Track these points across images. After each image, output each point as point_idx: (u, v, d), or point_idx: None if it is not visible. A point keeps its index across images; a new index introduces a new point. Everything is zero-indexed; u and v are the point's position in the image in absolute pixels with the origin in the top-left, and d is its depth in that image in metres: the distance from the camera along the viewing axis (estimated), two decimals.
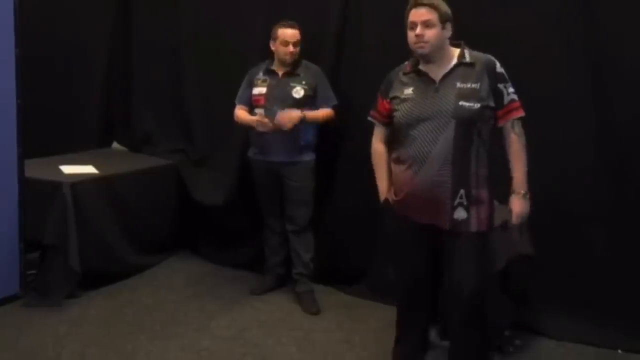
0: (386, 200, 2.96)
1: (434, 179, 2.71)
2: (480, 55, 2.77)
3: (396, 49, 3.92)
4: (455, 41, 2.79)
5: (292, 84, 3.88)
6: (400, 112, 2.79)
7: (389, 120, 2.91)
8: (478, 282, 2.77)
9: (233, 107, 4.08)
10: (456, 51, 2.78)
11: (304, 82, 3.89)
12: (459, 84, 2.70)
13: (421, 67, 2.80)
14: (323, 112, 3.92)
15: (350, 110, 4.06)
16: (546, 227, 3.58)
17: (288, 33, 3.87)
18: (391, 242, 3.05)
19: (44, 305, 3.79)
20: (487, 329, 2.99)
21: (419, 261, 2.89)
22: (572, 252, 3.65)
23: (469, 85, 2.69)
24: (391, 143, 2.96)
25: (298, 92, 3.86)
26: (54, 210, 3.83)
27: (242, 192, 4.27)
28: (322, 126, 3.99)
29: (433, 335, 3.45)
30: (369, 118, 3.04)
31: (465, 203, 2.72)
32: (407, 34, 2.76)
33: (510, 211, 2.80)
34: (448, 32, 2.74)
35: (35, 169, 4.04)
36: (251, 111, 3.99)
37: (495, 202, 2.84)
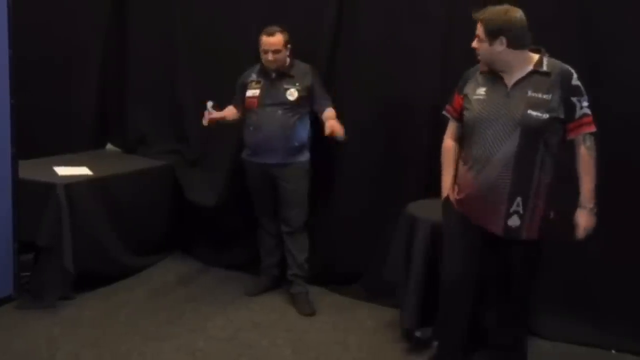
0: (447, 196, 3.01)
1: (493, 182, 2.74)
2: (558, 65, 2.76)
3: (391, 49, 3.98)
4: (535, 47, 2.80)
5: (285, 86, 3.88)
6: (469, 112, 2.84)
7: (461, 117, 2.95)
8: (528, 285, 2.93)
9: (227, 106, 4.08)
10: (534, 57, 2.78)
11: (297, 84, 3.88)
12: (530, 92, 2.71)
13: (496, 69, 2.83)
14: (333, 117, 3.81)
15: (346, 113, 4.06)
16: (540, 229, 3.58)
17: (266, 41, 3.85)
18: (445, 235, 3.06)
19: (38, 307, 3.78)
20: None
21: (468, 257, 2.94)
22: (568, 253, 3.65)
23: (540, 95, 2.70)
24: (461, 141, 3.01)
25: (292, 94, 3.86)
26: (47, 212, 3.81)
27: (236, 193, 4.27)
28: (317, 127, 3.97)
29: (427, 335, 3.44)
30: (444, 112, 3.07)
31: (521, 212, 2.75)
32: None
33: (576, 225, 2.84)
34: (500, 46, 2.74)
35: (29, 170, 4.02)
36: (244, 114, 3.99)
37: (552, 213, 2.85)
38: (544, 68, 2.74)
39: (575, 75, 2.73)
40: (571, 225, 2.86)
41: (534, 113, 2.67)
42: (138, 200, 4.41)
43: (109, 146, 5.24)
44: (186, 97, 4.77)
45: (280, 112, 3.84)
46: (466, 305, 3.03)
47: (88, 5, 5.07)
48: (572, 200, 2.87)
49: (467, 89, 2.88)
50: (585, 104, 2.74)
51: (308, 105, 3.92)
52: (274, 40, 3.85)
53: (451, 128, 3.05)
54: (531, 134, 2.69)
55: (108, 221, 4.15)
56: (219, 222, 4.59)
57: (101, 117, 5.15)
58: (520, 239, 2.80)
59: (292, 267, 4.05)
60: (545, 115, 2.67)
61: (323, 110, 3.87)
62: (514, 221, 2.76)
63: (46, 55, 5.18)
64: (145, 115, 5.00)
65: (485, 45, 2.76)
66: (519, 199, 2.74)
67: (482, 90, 2.82)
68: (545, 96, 2.69)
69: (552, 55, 3.53)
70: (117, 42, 5.04)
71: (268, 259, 4.22)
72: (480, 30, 2.76)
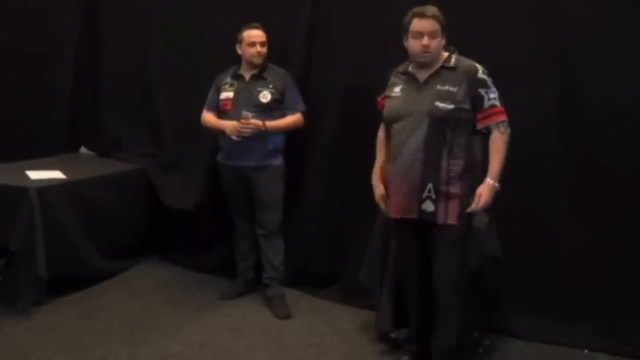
0: (387, 210, 3.16)
1: (406, 169, 2.92)
2: (465, 61, 2.94)
3: (365, 52, 4.00)
4: (448, 47, 2.98)
5: (259, 89, 3.88)
6: (387, 108, 3.05)
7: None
8: (453, 274, 2.96)
9: (202, 110, 4.07)
10: (444, 55, 2.97)
11: (271, 86, 3.89)
12: (438, 86, 2.90)
13: (410, 69, 3.02)
14: (285, 121, 3.91)
15: (320, 114, 4.07)
16: (514, 230, 3.62)
17: (253, 33, 3.88)
18: (396, 253, 3.28)
19: (11, 313, 3.73)
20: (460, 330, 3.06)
21: (417, 260, 3.09)
22: (539, 253, 3.70)
23: (446, 88, 2.88)
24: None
25: (265, 96, 3.86)
26: (20, 216, 3.77)
27: (211, 197, 4.25)
28: (289, 131, 3.98)
29: (402, 336, 3.46)
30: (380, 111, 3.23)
31: (433, 197, 2.90)
32: (410, 41, 2.93)
33: (477, 195, 2.89)
34: (444, 40, 2.94)
35: (1, 175, 3.99)
36: (219, 116, 3.98)
37: (471, 199, 2.92)
38: (451, 64, 2.93)
39: (481, 70, 2.90)
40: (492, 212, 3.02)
41: (440, 104, 2.85)
42: (112, 204, 4.38)
43: (83, 150, 5.19)
44: (161, 100, 4.75)
45: (253, 114, 3.83)
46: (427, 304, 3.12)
47: (60, 7, 5.03)
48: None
49: (387, 89, 3.10)
50: (492, 95, 2.90)
51: (281, 108, 3.92)
52: (259, 33, 3.90)
53: (382, 124, 3.26)
54: (438, 123, 2.86)
55: (82, 225, 4.11)
56: (194, 226, 4.57)
57: (74, 120, 5.10)
58: (437, 224, 2.92)
59: (268, 270, 4.05)
60: (451, 106, 2.85)
61: (290, 114, 3.93)
62: (428, 205, 2.91)
63: (17, 58, 5.13)
64: (119, 118, 4.97)
65: (439, 40, 2.91)
66: (429, 185, 2.89)
67: (397, 89, 3.03)
68: (451, 89, 2.87)
69: (525, 54, 3.60)
70: (90, 44, 5.00)
71: (243, 263, 4.21)
72: (435, 26, 2.88)
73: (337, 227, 4.14)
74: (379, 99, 3.19)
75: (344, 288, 4.14)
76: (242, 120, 3.76)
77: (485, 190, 2.88)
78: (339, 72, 4.08)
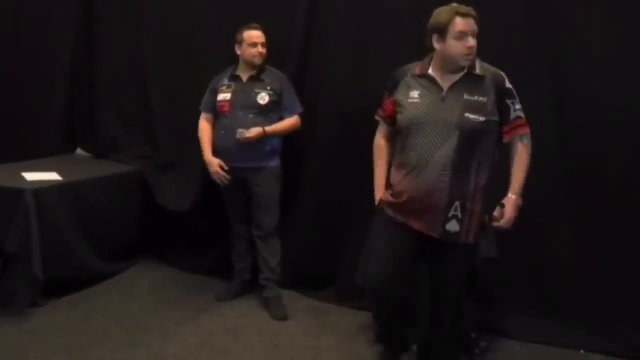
0: (381, 200, 2.96)
1: (432, 185, 2.71)
2: (491, 69, 2.77)
3: (362, 53, 4.00)
4: None
5: (256, 90, 3.89)
6: (404, 116, 2.79)
7: (392, 120, 2.92)
8: (461, 291, 2.91)
9: (198, 112, 4.08)
10: None
11: (268, 88, 3.89)
12: (466, 96, 2.70)
13: (432, 72, 2.79)
14: (284, 124, 3.92)
15: (316, 116, 4.08)
16: (510, 230, 3.63)
17: (254, 34, 3.88)
18: (375, 237, 2.99)
19: (7, 314, 3.72)
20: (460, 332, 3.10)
21: (399, 259, 2.88)
22: (535, 254, 3.71)
23: (475, 98, 2.70)
24: (394, 146, 2.97)
25: (263, 98, 3.87)
26: (16, 218, 3.76)
27: (208, 198, 4.25)
28: (288, 134, 3.99)
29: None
30: (376, 117, 3.05)
31: (459, 216, 2.74)
32: (450, 42, 2.69)
33: (499, 212, 2.78)
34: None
35: None
36: (216, 118, 3.99)
37: (487, 217, 2.85)
38: (477, 71, 2.74)
39: (507, 79, 2.76)
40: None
41: (471, 116, 2.68)
42: (108, 205, 4.38)
43: (79, 151, 5.19)
44: (156, 102, 4.75)
45: (251, 116, 3.85)
46: (397, 307, 3.05)
47: (56, 9, 5.02)
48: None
49: (399, 93, 2.85)
50: (518, 106, 2.77)
51: (278, 110, 3.93)
52: (259, 33, 3.90)
53: (382, 129, 3.05)
54: (468, 137, 2.69)
55: (78, 227, 4.10)
56: (190, 227, 4.57)
57: (71, 122, 5.10)
58: (458, 244, 2.79)
59: (265, 272, 4.05)
60: (482, 118, 2.68)
61: (287, 117, 3.95)
62: (453, 226, 2.75)
63: (13, 60, 5.12)
64: (115, 120, 4.96)
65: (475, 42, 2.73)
66: (457, 203, 2.73)
67: (415, 94, 2.79)
68: (481, 99, 2.70)
69: (520, 61, 3.61)
70: (86, 46, 4.99)
71: (240, 264, 4.21)
72: (475, 26, 2.70)
73: (333, 228, 4.14)
74: (387, 100, 2.94)
75: (341, 289, 4.14)
76: (241, 139, 3.78)
77: (511, 206, 2.77)
78: (335, 74, 4.08)
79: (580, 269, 3.62)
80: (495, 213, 2.76)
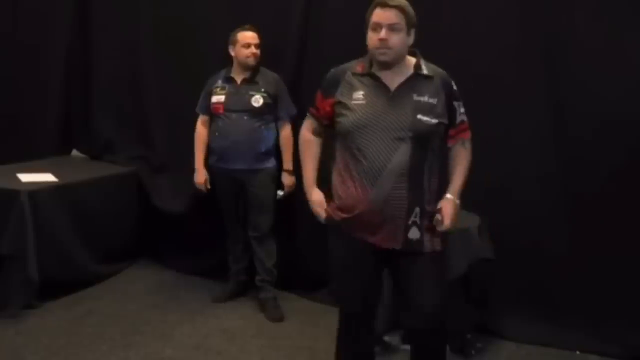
0: (329, 217, 2.69)
1: (390, 194, 2.47)
2: (437, 69, 2.58)
3: (357, 54, 3.99)
4: (410, 48, 2.56)
5: (251, 92, 3.88)
6: (350, 119, 2.51)
7: (326, 122, 2.69)
8: (439, 300, 2.57)
9: (194, 113, 4.08)
10: (411, 60, 2.56)
11: (263, 90, 3.89)
12: (415, 96, 2.49)
13: (374, 70, 2.54)
14: (288, 148, 3.94)
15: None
16: (505, 232, 3.64)
17: (248, 35, 3.89)
18: (334, 263, 2.73)
19: (2, 316, 3.71)
20: (447, 335, 2.89)
21: (365, 285, 2.66)
22: (531, 255, 3.71)
23: (426, 99, 2.49)
24: (333, 152, 2.68)
25: (257, 100, 3.86)
26: (11, 219, 3.75)
27: (203, 199, 4.24)
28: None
29: (395, 340, 3.47)
30: (308, 114, 2.80)
31: (419, 222, 2.51)
32: (368, 34, 2.50)
33: (442, 213, 2.53)
34: (412, 39, 2.52)
35: None
36: (211, 119, 3.99)
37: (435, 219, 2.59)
38: (425, 71, 2.53)
39: (453, 81, 2.58)
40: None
41: (423, 118, 2.46)
42: (104, 207, 4.37)
43: (75, 152, 5.17)
44: (152, 103, 4.74)
45: (245, 118, 3.85)
46: (369, 331, 2.82)
47: (52, 10, 5.01)
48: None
49: (340, 94, 2.57)
50: (462, 110, 2.60)
51: (272, 112, 3.93)
52: (253, 35, 3.90)
53: (311, 123, 2.79)
54: (421, 140, 2.47)
55: (73, 228, 4.10)
56: (185, 229, 4.57)
57: (66, 123, 5.08)
58: (423, 252, 2.54)
59: (261, 273, 4.05)
60: (434, 120, 2.48)
61: (281, 121, 3.96)
62: (414, 233, 2.52)
63: (9, 60, 5.11)
64: (111, 121, 4.96)
65: (403, 35, 2.47)
66: (417, 210, 2.50)
67: (360, 94, 2.52)
68: (431, 100, 2.50)
69: (514, 60, 3.61)
70: (81, 47, 4.98)
71: (236, 265, 4.21)
72: (398, 18, 2.43)
73: None
74: (324, 100, 2.64)
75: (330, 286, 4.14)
76: (281, 199, 3.94)
77: (450, 207, 2.54)
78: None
79: (576, 269, 3.63)
80: (437, 216, 2.53)
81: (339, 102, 2.57)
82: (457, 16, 3.71)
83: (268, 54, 4.01)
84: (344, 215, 2.59)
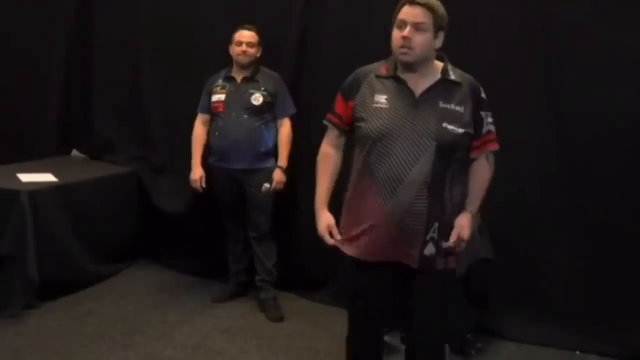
0: (336, 243, 2.54)
1: (408, 207, 2.33)
2: (466, 76, 2.43)
3: (358, 54, 3.98)
4: (437, 52, 2.42)
5: (250, 91, 3.89)
6: (370, 124, 2.36)
7: (348, 128, 2.52)
8: (442, 325, 2.50)
9: (193, 113, 4.08)
10: (439, 64, 2.42)
11: (262, 89, 3.89)
12: (441, 103, 2.34)
13: (399, 73, 2.38)
14: (285, 145, 3.94)
15: (311, 116, 4.07)
16: (506, 232, 3.64)
17: (242, 34, 3.90)
18: (347, 285, 2.65)
19: (2, 317, 3.70)
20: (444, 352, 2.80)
21: (378, 306, 2.55)
22: (531, 256, 3.71)
23: (452, 107, 2.34)
24: (350, 160, 2.54)
25: (257, 99, 3.87)
26: (11, 219, 3.75)
27: (203, 199, 4.24)
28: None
29: (396, 340, 3.47)
30: (325, 121, 2.61)
31: (436, 237, 2.38)
32: (393, 32, 2.34)
33: (458, 226, 2.43)
34: (440, 41, 2.36)
35: None
36: (212, 119, 3.99)
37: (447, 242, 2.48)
38: (452, 77, 2.38)
39: (481, 88, 2.43)
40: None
41: (449, 126, 2.31)
42: (104, 207, 4.37)
43: (75, 152, 5.17)
44: (151, 103, 4.74)
45: (245, 117, 3.85)
46: (380, 340, 2.72)
47: (51, 9, 5.01)
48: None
49: (361, 96, 2.42)
50: (490, 119, 2.45)
51: (272, 111, 3.94)
52: (249, 34, 3.91)
53: (332, 137, 2.60)
54: (445, 150, 2.32)
55: (73, 228, 4.10)
56: (185, 229, 4.57)
57: (66, 123, 5.08)
58: (435, 269, 2.42)
59: (260, 273, 4.05)
60: (460, 130, 2.33)
61: (279, 119, 3.96)
62: (430, 249, 2.38)
63: (9, 61, 5.11)
64: (111, 121, 4.95)
65: (429, 36, 2.31)
66: (436, 224, 2.37)
67: (382, 98, 2.37)
68: (457, 108, 2.34)
69: (516, 62, 3.61)
70: (81, 47, 4.98)
71: (236, 265, 4.20)
72: (425, 17, 2.28)
73: None
74: (343, 104, 2.48)
75: (337, 291, 4.13)
76: (265, 192, 3.89)
77: (468, 222, 2.44)
78: (331, 75, 4.07)
79: (576, 269, 3.64)
80: (452, 238, 2.40)
81: (360, 105, 2.42)
82: (457, 18, 3.70)
83: (268, 54, 4.01)
84: (354, 234, 2.46)
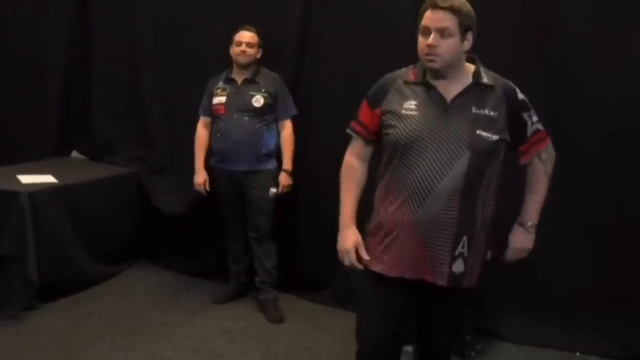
0: (361, 260, 2.36)
1: (436, 218, 2.19)
2: (499, 78, 2.29)
3: (357, 57, 4.00)
4: (468, 54, 2.28)
5: (251, 93, 3.89)
6: (398, 131, 2.21)
7: (375, 137, 2.36)
8: (451, 345, 2.47)
9: (193, 114, 4.09)
10: (470, 67, 2.28)
11: (263, 90, 3.90)
12: (474, 109, 2.20)
13: (429, 79, 2.24)
14: (289, 146, 3.95)
15: (311, 117, 4.08)
16: (506, 233, 3.63)
17: (242, 34, 3.91)
18: (362, 302, 2.47)
19: (1, 318, 3.70)
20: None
21: (393, 327, 2.39)
22: (531, 256, 3.70)
23: (486, 112, 2.20)
24: (376, 170, 2.38)
25: (258, 100, 3.87)
26: (11, 220, 3.75)
27: (203, 200, 4.24)
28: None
29: None
30: (348, 131, 2.44)
31: (465, 254, 2.24)
32: (418, 38, 2.22)
33: (509, 243, 2.41)
34: (468, 43, 2.21)
35: None
36: (213, 121, 3.99)
37: (489, 253, 2.43)
38: (485, 80, 2.24)
39: (518, 89, 2.30)
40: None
41: (483, 133, 2.18)
42: (104, 208, 4.37)
43: (75, 154, 5.17)
44: (152, 104, 4.74)
45: (246, 118, 3.85)
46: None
47: (51, 11, 5.01)
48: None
49: (390, 103, 2.27)
50: (535, 118, 2.32)
51: (273, 112, 3.94)
52: (249, 34, 3.91)
53: (357, 147, 2.42)
54: (479, 159, 2.19)
55: (73, 229, 4.10)
56: (185, 230, 4.57)
57: (66, 125, 5.08)
58: (461, 288, 2.29)
59: (260, 274, 4.05)
60: (495, 137, 2.19)
61: (281, 120, 3.97)
62: (458, 266, 2.24)
63: (9, 61, 5.11)
64: (110, 122, 4.95)
65: (455, 41, 2.17)
66: (464, 239, 2.23)
67: (412, 104, 2.23)
68: (492, 113, 2.21)
69: (513, 63, 3.61)
70: (81, 48, 4.98)
71: (236, 266, 4.20)
72: (449, 21, 2.14)
73: (329, 231, 4.11)
74: (370, 111, 2.34)
75: (337, 291, 4.14)
76: (273, 197, 3.93)
77: (523, 237, 2.40)
78: (331, 76, 4.09)
79: (576, 270, 3.63)
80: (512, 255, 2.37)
81: (388, 112, 2.26)
82: None
83: (268, 54, 4.01)
84: (378, 246, 2.31)
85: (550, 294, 3.69)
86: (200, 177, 4.02)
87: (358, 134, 2.40)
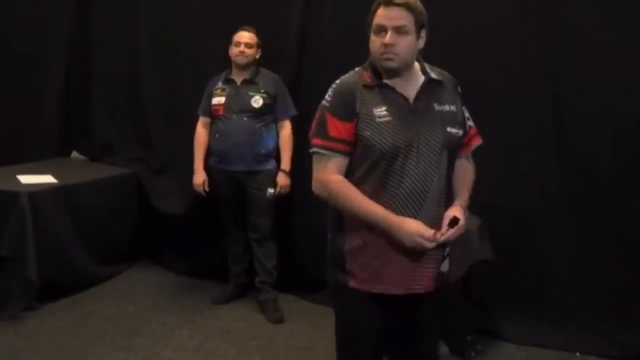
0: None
1: (434, 221, 2.10)
2: (443, 72, 2.23)
3: (357, 57, 3.99)
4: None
5: (250, 93, 3.89)
6: (379, 141, 2.07)
7: (352, 149, 2.15)
8: (438, 347, 2.43)
9: (193, 114, 4.08)
10: (416, 64, 2.19)
11: (262, 91, 3.90)
12: (436, 106, 2.13)
13: (386, 80, 2.13)
14: (288, 147, 3.95)
15: (311, 118, 4.06)
16: (505, 233, 3.64)
17: (241, 35, 3.91)
18: (341, 333, 2.42)
19: (1, 318, 3.71)
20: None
21: (376, 344, 2.31)
22: (530, 257, 3.71)
23: (446, 108, 2.14)
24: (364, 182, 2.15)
25: (257, 101, 3.87)
26: (11, 221, 3.76)
27: (203, 201, 4.25)
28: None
29: None
30: (322, 151, 2.18)
31: (450, 252, 2.22)
32: (371, 38, 2.12)
33: (454, 215, 2.13)
34: (423, 41, 2.13)
35: None
36: (212, 122, 3.99)
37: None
38: (433, 75, 2.16)
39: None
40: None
41: (453, 130, 2.13)
42: (103, 208, 4.38)
43: (75, 154, 5.18)
44: (152, 105, 4.75)
45: (246, 119, 3.85)
46: None
47: (51, 11, 5.01)
48: None
49: (362, 110, 2.11)
50: (467, 113, 2.26)
51: (272, 113, 3.94)
52: (248, 35, 3.91)
53: (335, 164, 2.16)
54: (451, 156, 2.15)
55: (73, 230, 4.10)
56: (185, 230, 4.57)
57: (66, 125, 5.09)
58: (449, 283, 2.26)
59: (260, 274, 4.05)
60: (460, 132, 2.16)
61: (280, 121, 3.97)
62: (445, 265, 2.20)
63: (9, 62, 5.11)
64: (110, 123, 4.96)
65: (412, 38, 2.08)
66: None
67: (382, 111, 2.09)
68: (451, 108, 2.15)
69: (515, 64, 3.61)
70: (81, 49, 4.99)
71: (236, 267, 4.20)
72: (405, 19, 2.05)
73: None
74: (340, 121, 2.13)
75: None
76: (270, 197, 3.91)
77: (460, 212, 2.14)
78: (331, 75, 4.06)
79: (575, 271, 3.63)
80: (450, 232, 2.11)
81: (363, 120, 2.10)
82: (456, 18, 3.70)
83: (268, 54, 4.01)
84: (374, 264, 2.15)
85: (550, 294, 3.69)
86: (200, 177, 4.02)
87: (337, 151, 2.15)
